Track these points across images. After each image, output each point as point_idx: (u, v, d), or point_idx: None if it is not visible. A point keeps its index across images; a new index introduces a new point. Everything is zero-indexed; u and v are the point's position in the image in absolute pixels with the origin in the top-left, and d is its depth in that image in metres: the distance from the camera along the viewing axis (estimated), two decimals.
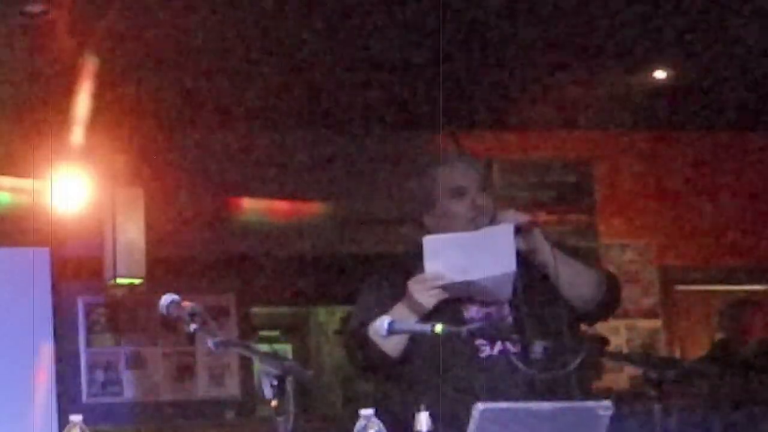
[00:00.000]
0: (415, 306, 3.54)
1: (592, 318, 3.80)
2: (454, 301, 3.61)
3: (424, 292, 3.54)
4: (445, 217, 3.70)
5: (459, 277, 3.54)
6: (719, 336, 6.92)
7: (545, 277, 3.62)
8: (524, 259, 3.59)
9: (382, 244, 7.49)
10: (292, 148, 7.78)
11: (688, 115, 7.85)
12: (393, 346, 3.57)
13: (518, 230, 3.57)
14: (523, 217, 3.61)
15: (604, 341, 6.63)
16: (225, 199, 7.61)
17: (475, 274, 3.54)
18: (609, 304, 3.77)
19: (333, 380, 9.43)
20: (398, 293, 3.60)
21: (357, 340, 3.64)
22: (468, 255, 3.53)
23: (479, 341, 3.56)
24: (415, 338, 3.58)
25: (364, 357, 3.65)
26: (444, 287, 3.54)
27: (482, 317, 3.63)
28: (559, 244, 3.70)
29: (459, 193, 3.70)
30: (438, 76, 6.86)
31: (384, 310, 3.48)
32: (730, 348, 6.57)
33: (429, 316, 3.51)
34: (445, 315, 3.51)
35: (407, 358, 3.63)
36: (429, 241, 3.58)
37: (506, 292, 3.58)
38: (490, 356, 3.59)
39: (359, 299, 3.78)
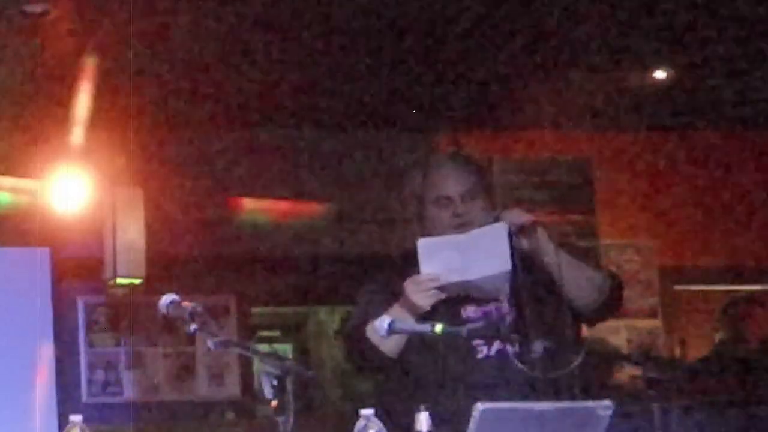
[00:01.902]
0: (411, 307, 3.54)
1: (594, 318, 3.79)
2: (451, 301, 3.61)
3: (420, 293, 3.54)
4: (431, 224, 3.70)
5: (455, 278, 3.54)
6: (719, 336, 6.92)
7: (548, 276, 3.62)
8: (527, 259, 3.59)
9: (382, 244, 7.49)
10: (292, 147, 7.78)
11: (688, 115, 7.85)
12: (391, 346, 3.58)
13: (522, 229, 3.57)
14: (526, 217, 3.60)
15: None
16: (225, 199, 7.61)
17: (470, 274, 3.54)
18: (611, 304, 3.77)
19: (333, 380, 9.43)
20: (397, 294, 3.60)
21: (355, 339, 3.64)
22: (463, 255, 3.54)
23: (476, 342, 3.56)
24: (412, 338, 3.58)
25: (362, 356, 3.66)
26: (440, 288, 3.55)
27: (480, 317, 3.63)
28: (563, 244, 3.69)
29: (442, 201, 3.69)
30: (440, 77, 6.87)
31: (383, 310, 3.48)
32: (731, 348, 6.56)
33: (426, 317, 3.51)
34: (442, 315, 3.51)
35: (405, 358, 3.63)
36: (423, 244, 3.58)
37: (503, 290, 3.58)
38: (486, 357, 3.59)
39: (358, 299, 3.79)
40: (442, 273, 3.53)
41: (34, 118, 6.84)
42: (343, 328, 7.73)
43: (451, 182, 3.71)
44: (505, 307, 3.64)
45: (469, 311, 3.65)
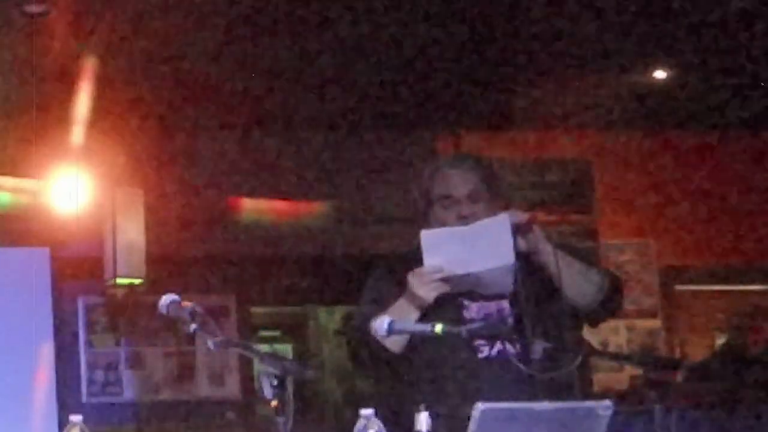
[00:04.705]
0: (415, 300, 3.53)
1: (595, 318, 3.78)
2: (454, 301, 3.60)
3: (423, 286, 3.53)
4: (437, 224, 3.70)
5: (458, 270, 3.53)
6: (722, 338, 6.93)
7: (546, 277, 3.61)
8: (525, 259, 3.58)
9: (382, 244, 7.49)
10: (291, 148, 7.78)
11: (688, 115, 7.86)
12: (395, 342, 3.57)
13: (518, 229, 3.56)
14: (521, 216, 3.59)
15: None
16: (225, 199, 7.61)
17: (474, 267, 3.54)
18: (611, 304, 3.76)
19: (333, 380, 9.43)
20: (402, 290, 3.59)
21: (360, 335, 3.63)
22: (466, 247, 3.53)
23: (478, 342, 3.55)
24: (414, 337, 3.57)
25: (366, 352, 3.64)
26: (444, 280, 3.54)
27: (482, 317, 3.62)
28: (562, 245, 3.69)
29: (447, 202, 3.69)
30: (441, 77, 6.87)
31: (387, 307, 3.48)
32: (735, 350, 6.57)
33: (429, 317, 3.50)
34: (445, 315, 3.50)
35: (407, 357, 3.62)
36: (427, 235, 3.58)
37: (507, 284, 3.56)
38: (488, 357, 3.59)
39: (363, 295, 3.77)
40: (446, 265, 3.53)
41: (34, 118, 6.84)
42: (346, 325, 7.72)
43: (457, 183, 3.70)
44: (507, 307, 3.63)
45: (472, 312, 3.64)
